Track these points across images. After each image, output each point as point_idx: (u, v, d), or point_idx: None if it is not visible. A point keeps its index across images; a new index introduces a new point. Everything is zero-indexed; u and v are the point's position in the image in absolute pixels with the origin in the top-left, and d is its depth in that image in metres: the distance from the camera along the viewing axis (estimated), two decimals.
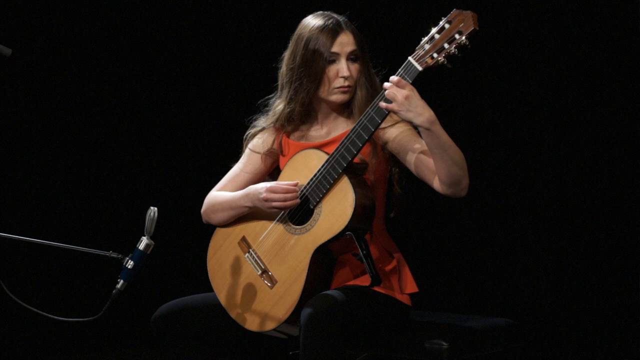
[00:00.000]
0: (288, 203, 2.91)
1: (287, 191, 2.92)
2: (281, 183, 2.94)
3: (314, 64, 2.99)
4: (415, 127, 2.86)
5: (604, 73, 4.01)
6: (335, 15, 3.03)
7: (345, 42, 2.98)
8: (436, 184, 2.86)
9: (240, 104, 4.87)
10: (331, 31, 2.98)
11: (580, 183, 4.09)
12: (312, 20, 3.03)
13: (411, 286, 2.98)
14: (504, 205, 4.24)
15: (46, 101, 4.87)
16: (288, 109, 3.07)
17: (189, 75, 5.00)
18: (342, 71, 2.98)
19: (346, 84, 2.99)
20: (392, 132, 2.96)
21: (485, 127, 4.27)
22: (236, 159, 3.24)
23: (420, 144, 2.90)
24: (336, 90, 3.01)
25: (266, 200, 2.93)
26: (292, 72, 3.03)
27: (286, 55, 3.08)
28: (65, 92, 4.90)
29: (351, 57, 2.99)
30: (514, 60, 4.17)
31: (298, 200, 2.92)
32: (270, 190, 2.93)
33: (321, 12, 3.06)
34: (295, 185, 2.93)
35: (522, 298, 4.21)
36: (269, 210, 2.95)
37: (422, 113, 2.77)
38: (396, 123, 2.95)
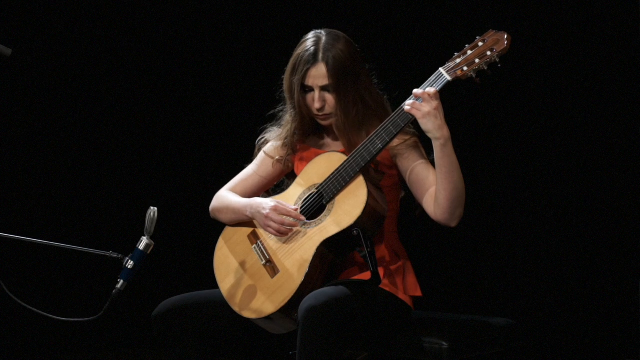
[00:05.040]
0: (283, 229, 2.96)
1: (289, 214, 2.96)
2: (288, 207, 2.98)
3: (294, 93, 3.05)
4: (423, 143, 2.94)
5: (604, 73, 4.01)
6: (324, 39, 3.02)
7: (316, 75, 3.01)
8: (430, 207, 2.94)
9: (240, 105, 4.89)
10: (305, 63, 3.01)
11: (580, 183, 4.09)
12: (301, 44, 3.06)
13: (415, 290, 3.00)
14: (504, 206, 4.25)
15: (46, 101, 4.87)
16: (288, 134, 3.14)
17: (188, 76, 5.00)
18: (314, 102, 3.03)
19: (321, 113, 3.05)
20: (401, 146, 3.00)
21: (485, 127, 4.27)
22: (237, 159, 3.25)
23: (420, 163, 2.97)
24: (315, 116, 3.07)
25: (266, 217, 2.97)
26: (285, 93, 3.11)
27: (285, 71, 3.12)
28: (65, 92, 4.90)
29: (326, 89, 3.02)
30: (513, 60, 4.16)
31: (293, 230, 2.96)
32: (274, 209, 2.97)
33: (314, 32, 3.07)
34: (297, 216, 2.97)
35: (522, 298, 4.21)
36: (264, 227, 2.98)
37: (442, 127, 2.83)
38: (406, 140, 3.00)
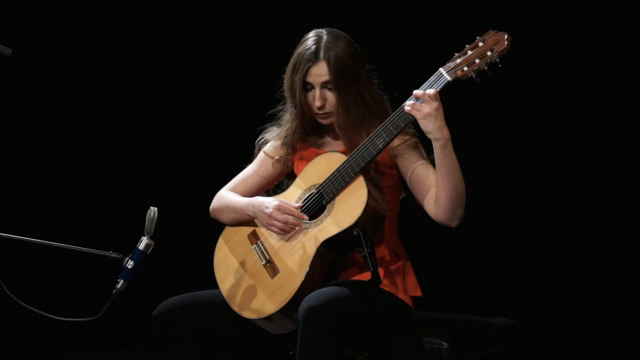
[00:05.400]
0: (287, 228, 2.96)
1: (292, 213, 2.96)
2: (291, 205, 2.98)
3: (295, 92, 3.05)
4: (423, 144, 2.93)
5: (604, 73, 4.01)
6: (325, 38, 3.04)
7: (318, 73, 3.02)
8: (431, 208, 2.94)
9: (240, 105, 4.89)
10: (306, 61, 3.02)
11: (580, 183, 4.09)
12: (302, 43, 3.07)
13: (415, 290, 3.00)
14: (504, 206, 4.24)
15: (46, 101, 4.87)
16: (286, 135, 3.14)
17: (188, 77, 5.00)
18: (315, 100, 3.03)
19: (321, 111, 3.05)
20: (401, 146, 3.01)
21: (486, 127, 4.27)
22: (237, 159, 3.25)
23: (421, 163, 2.97)
24: (315, 115, 3.07)
25: (270, 216, 2.97)
26: (286, 91, 3.11)
27: (286, 70, 3.13)
28: (65, 92, 4.90)
29: (326, 87, 3.03)
30: (514, 60, 4.16)
31: (297, 228, 2.97)
32: (278, 208, 2.97)
33: (315, 31, 3.07)
34: (300, 215, 2.97)
35: (522, 298, 4.21)
36: (267, 226, 2.98)
37: (442, 128, 2.84)
38: (406, 140, 3.00)
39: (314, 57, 3.01)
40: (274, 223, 2.97)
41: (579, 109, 4.08)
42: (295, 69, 3.04)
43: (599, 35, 4.01)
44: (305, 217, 2.97)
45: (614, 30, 3.98)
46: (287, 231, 2.97)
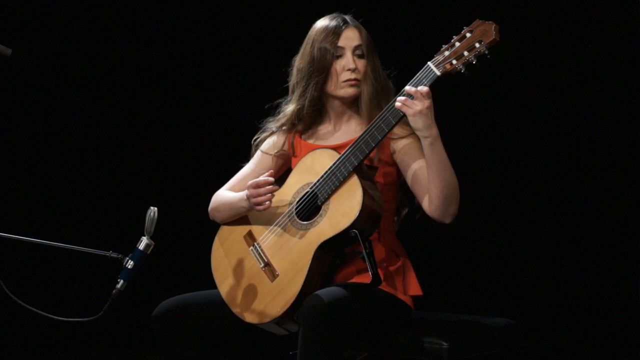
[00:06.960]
0: (260, 199, 2.94)
1: (258, 184, 2.95)
2: (258, 179, 2.98)
3: (321, 59, 3.04)
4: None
5: (604, 73, 4.01)
6: (343, 15, 3.10)
7: (350, 37, 3.05)
8: (425, 203, 2.93)
9: (240, 105, 4.89)
10: (337, 27, 3.05)
11: (580, 183, 4.09)
12: (320, 22, 3.10)
13: (415, 289, 3.00)
14: (503, 206, 4.24)
15: (46, 101, 4.87)
16: (298, 107, 3.11)
17: (188, 77, 5.00)
18: (348, 64, 3.03)
19: (353, 76, 3.04)
20: (401, 143, 3.00)
21: (486, 127, 4.26)
22: (237, 159, 3.24)
23: (421, 161, 2.95)
24: (344, 83, 3.05)
25: (249, 197, 2.97)
26: (301, 72, 3.09)
27: (296, 58, 3.13)
28: (65, 92, 4.90)
29: (357, 53, 3.05)
30: (514, 60, 4.17)
31: (274, 192, 2.95)
32: (249, 187, 2.98)
33: (330, 14, 3.11)
34: (270, 177, 2.97)
35: (522, 298, 4.21)
36: (256, 208, 2.97)
37: (431, 126, 2.83)
38: (407, 135, 3.00)
39: (345, 23, 3.06)
40: (252, 201, 2.97)
41: (579, 106, 4.08)
42: (322, 36, 3.04)
43: (595, 28, 4.01)
44: (270, 179, 2.95)
45: (612, 24, 3.98)
46: (264, 200, 2.95)
